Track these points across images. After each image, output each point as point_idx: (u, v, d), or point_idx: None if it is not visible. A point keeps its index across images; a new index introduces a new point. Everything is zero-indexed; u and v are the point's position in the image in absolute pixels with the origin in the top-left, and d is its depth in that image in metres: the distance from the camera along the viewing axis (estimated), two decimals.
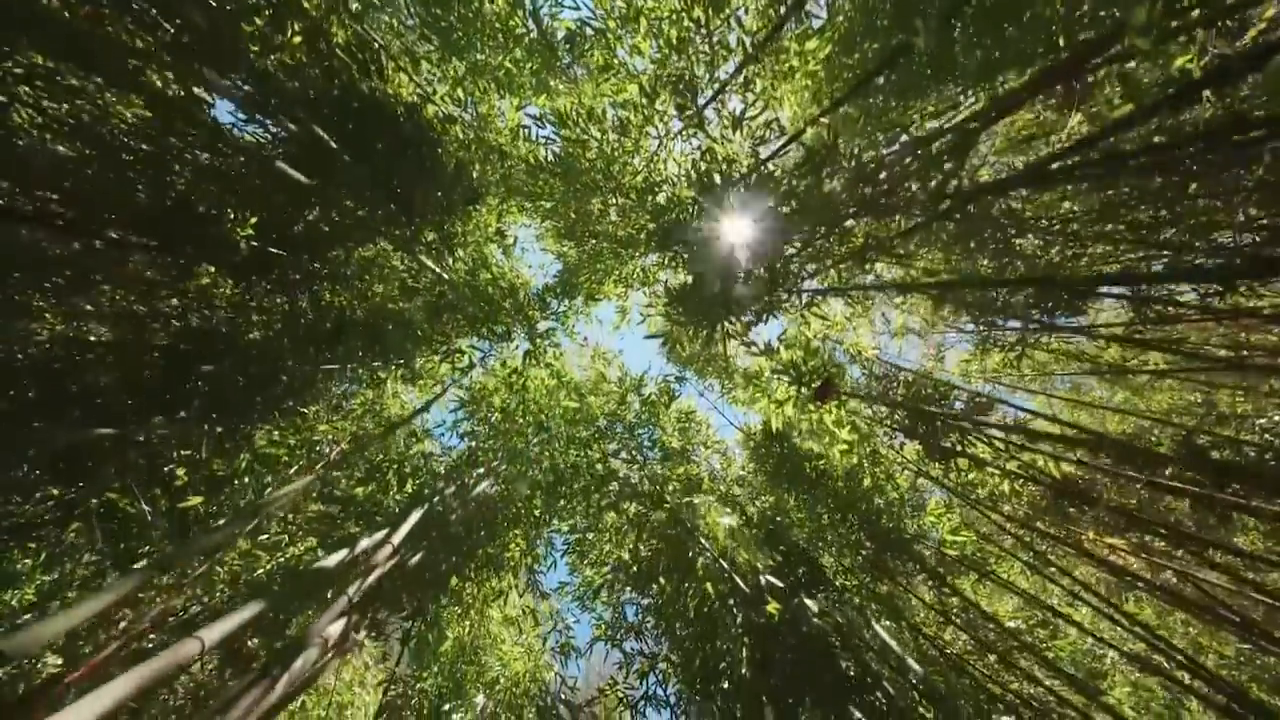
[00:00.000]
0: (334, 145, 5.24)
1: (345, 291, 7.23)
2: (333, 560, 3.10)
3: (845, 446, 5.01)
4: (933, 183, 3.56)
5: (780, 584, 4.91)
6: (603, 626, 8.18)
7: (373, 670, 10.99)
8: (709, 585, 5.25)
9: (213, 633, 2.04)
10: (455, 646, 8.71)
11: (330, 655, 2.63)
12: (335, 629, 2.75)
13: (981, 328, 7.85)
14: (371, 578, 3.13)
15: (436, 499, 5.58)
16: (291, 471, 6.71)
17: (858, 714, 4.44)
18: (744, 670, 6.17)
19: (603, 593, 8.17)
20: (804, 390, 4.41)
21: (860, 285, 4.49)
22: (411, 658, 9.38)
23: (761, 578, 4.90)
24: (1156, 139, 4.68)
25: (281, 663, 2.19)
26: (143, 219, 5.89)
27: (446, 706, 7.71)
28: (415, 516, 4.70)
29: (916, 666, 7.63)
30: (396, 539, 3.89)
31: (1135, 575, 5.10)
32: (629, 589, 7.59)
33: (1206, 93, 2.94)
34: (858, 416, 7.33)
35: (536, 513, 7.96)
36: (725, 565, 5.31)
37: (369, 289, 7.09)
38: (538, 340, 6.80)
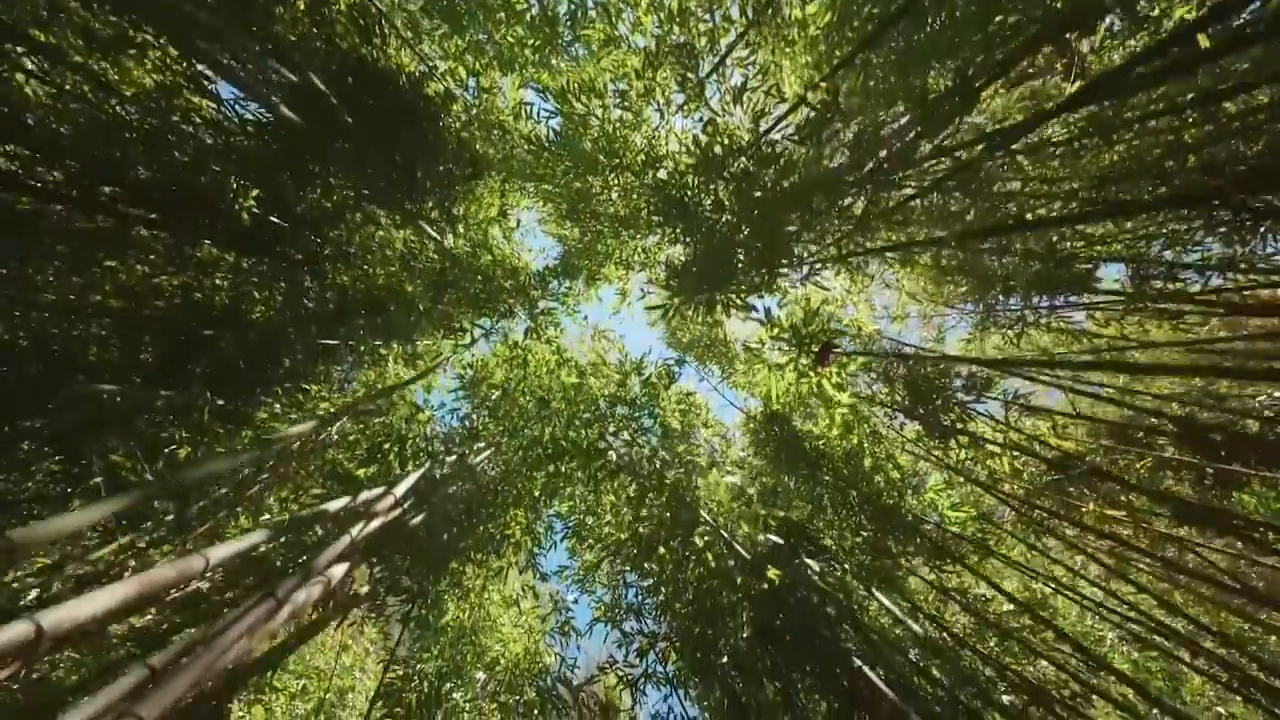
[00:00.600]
0: (336, 110, 5.27)
1: (348, 271, 7.26)
2: (335, 505, 3.13)
3: (845, 411, 5.01)
4: (932, 142, 3.57)
5: (781, 541, 4.91)
6: (602, 608, 8.20)
7: (373, 655, 11.03)
8: (709, 555, 5.26)
9: (217, 552, 2.07)
10: (455, 628, 8.73)
11: (333, 601, 2.64)
12: (338, 571, 2.77)
13: (982, 306, 7.87)
14: (374, 524, 3.15)
15: (438, 462, 5.60)
16: (294, 447, 6.74)
17: (862, 669, 4.45)
18: (743, 644, 6.19)
19: (603, 568, 8.18)
20: (804, 356, 4.42)
21: (860, 251, 4.51)
22: (412, 640, 9.40)
23: (762, 536, 4.90)
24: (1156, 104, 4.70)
25: (286, 587, 2.21)
26: (146, 194, 5.91)
27: (447, 686, 7.72)
28: (417, 475, 4.72)
29: (916, 644, 7.62)
30: (398, 491, 3.92)
31: (1136, 548, 5.12)
32: (628, 568, 7.60)
33: (1203, 39, 2.95)
34: (857, 394, 7.34)
35: (536, 492, 7.99)
36: (725, 535, 5.31)
37: (372, 268, 7.12)
38: (539, 317, 6.82)
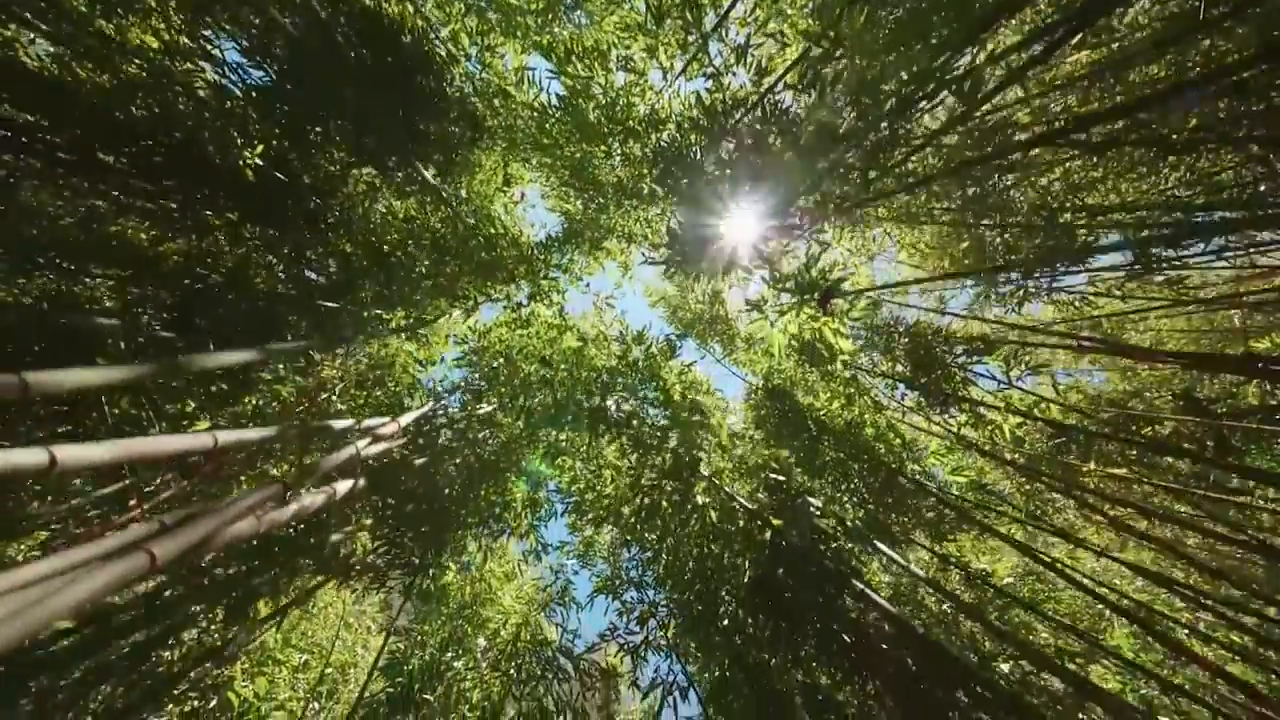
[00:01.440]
0: (339, 66, 5.31)
1: (350, 238, 7.30)
2: (340, 424, 3.16)
3: (846, 359, 5.04)
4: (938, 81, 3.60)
5: (782, 478, 4.92)
6: (603, 580, 8.23)
7: (374, 631, 11.06)
8: (710, 510, 5.28)
9: (226, 435, 2.09)
10: (456, 601, 8.78)
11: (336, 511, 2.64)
12: (343, 486, 2.79)
13: (983, 276, 7.89)
14: (379, 446, 3.18)
15: (442, 409, 5.64)
16: (297, 410, 6.78)
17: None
18: (742, 608, 6.21)
19: (603, 539, 8.20)
20: (806, 304, 4.45)
21: (865, 199, 4.53)
22: (413, 615, 9.44)
23: (763, 481, 4.92)
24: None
25: (293, 479, 2.23)
26: (148, 158, 5.93)
27: (449, 655, 7.74)
28: (423, 410, 4.75)
29: (917, 615, 7.62)
30: (403, 420, 3.95)
31: (1138, 506, 5.12)
32: (628, 537, 7.63)
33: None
34: (857, 363, 7.37)
35: (538, 463, 8.03)
36: (727, 490, 5.33)
37: (375, 235, 7.15)
38: (542, 282, 6.86)
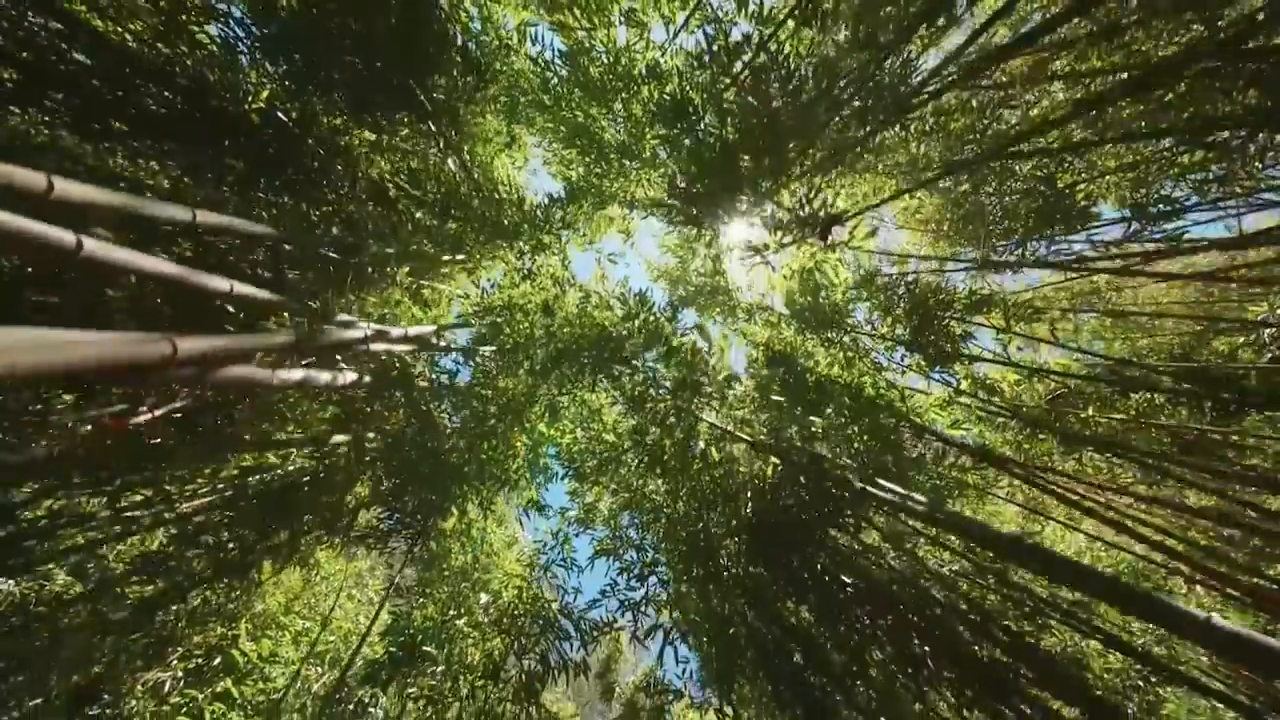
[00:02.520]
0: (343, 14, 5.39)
1: (354, 199, 7.36)
2: (347, 317, 3.21)
3: (843, 291, 5.10)
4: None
5: (783, 399, 4.97)
6: (604, 542, 8.27)
7: (375, 600, 11.13)
8: (713, 450, 5.33)
9: (242, 287, 2.15)
10: (459, 563, 8.85)
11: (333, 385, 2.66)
12: (347, 377, 2.84)
13: (981, 244, 7.94)
14: (384, 345, 3.23)
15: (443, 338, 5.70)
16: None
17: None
18: (742, 561, 6.26)
19: (603, 503, 8.25)
20: (807, 239, 4.51)
21: (858, 142, 4.59)
22: (418, 577, 9.51)
23: (768, 403, 4.96)
24: None
25: (305, 337, 2.28)
26: (152, 110, 5.96)
27: (451, 613, 7.79)
28: (429, 329, 4.82)
29: (916, 574, 7.65)
30: (410, 331, 4.01)
31: (1139, 450, 5.16)
32: (627, 495, 7.68)
33: None
34: (855, 327, 7.44)
35: (540, 425, 8.10)
36: (729, 429, 5.37)
37: (380, 191, 7.22)
38: (545, 237, 6.94)
